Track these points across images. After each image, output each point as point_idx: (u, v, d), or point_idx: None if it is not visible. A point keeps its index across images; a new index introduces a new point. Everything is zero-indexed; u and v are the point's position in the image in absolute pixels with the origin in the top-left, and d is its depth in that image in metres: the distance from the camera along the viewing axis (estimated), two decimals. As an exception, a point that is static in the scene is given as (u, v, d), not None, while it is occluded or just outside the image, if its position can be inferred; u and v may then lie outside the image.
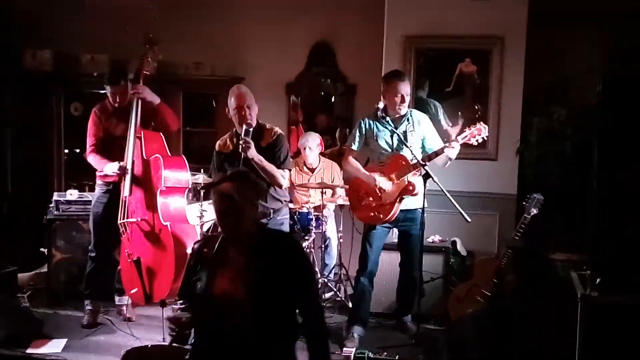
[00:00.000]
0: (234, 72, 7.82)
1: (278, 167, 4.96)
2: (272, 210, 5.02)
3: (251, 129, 4.93)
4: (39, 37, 7.74)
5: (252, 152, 4.86)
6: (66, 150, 7.70)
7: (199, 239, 4.12)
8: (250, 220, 3.47)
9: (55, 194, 6.61)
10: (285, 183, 5.04)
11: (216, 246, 3.60)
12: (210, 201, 6.67)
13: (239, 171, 3.70)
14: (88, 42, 7.77)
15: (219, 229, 3.56)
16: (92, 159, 5.76)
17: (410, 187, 5.32)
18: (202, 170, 6.46)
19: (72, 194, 6.52)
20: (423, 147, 5.51)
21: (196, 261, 3.63)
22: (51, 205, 6.52)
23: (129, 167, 5.55)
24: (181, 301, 3.63)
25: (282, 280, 3.42)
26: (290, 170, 5.18)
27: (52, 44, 7.72)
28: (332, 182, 6.81)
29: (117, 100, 5.75)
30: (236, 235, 3.50)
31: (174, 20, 7.81)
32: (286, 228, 5.24)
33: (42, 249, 6.71)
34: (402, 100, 5.36)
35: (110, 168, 5.63)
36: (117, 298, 6.05)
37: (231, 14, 7.91)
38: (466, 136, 5.28)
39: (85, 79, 7.47)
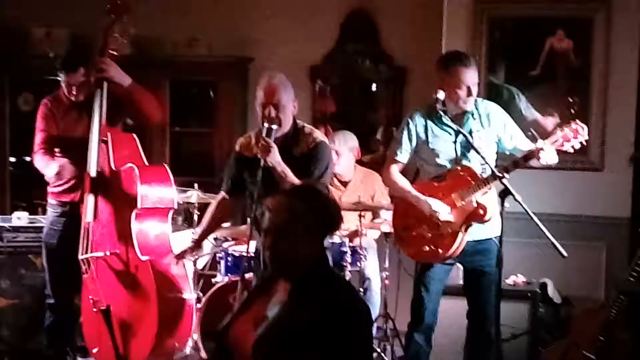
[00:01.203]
0: (240, 51, 7.86)
1: None
2: None
3: (274, 128, 4.93)
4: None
5: (274, 158, 4.89)
6: (12, 159, 7.76)
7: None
8: (303, 254, 3.46)
9: (-3, 217, 6.65)
10: None
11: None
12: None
13: (303, 185, 3.73)
14: (42, 12, 7.81)
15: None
16: (39, 160, 5.80)
17: (481, 211, 5.27)
18: (195, 184, 6.46)
19: (21, 218, 6.58)
20: (503, 150, 5.46)
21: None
22: (-9, 233, 6.55)
23: (92, 172, 5.54)
24: None
25: (325, 347, 3.36)
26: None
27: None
28: (373, 201, 6.77)
29: (74, 92, 5.78)
30: (281, 268, 3.50)
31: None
32: None
33: (-22, 293, 6.73)
34: (469, 93, 5.32)
35: (52, 169, 5.69)
36: None
37: (236, -27, 7.95)
38: (557, 140, 5.22)
39: (38, 62, 7.51)
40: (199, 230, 5.47)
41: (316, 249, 3.50)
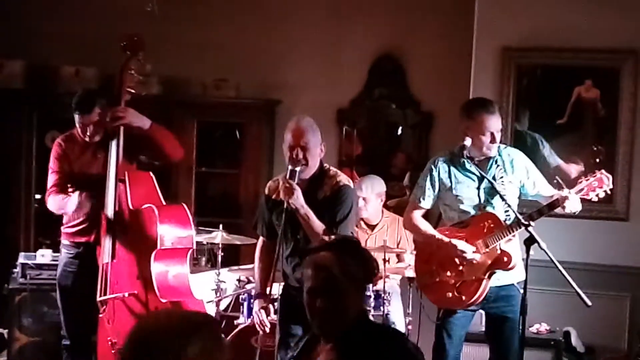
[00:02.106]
0: (268, 94, 7.88)
1: (329, 230, 4.93)
2: None
3: (297, 169, 4.95)
4: (6, 42, 7.89)
5: (297, 201, 4.89)
6: (38, 196, 7.77)
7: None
8: (352, 309, 3.38)
9: (21, 255, 6.68)
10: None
11: (302, 343, 3.59)
12: (232, 268, 6.80)
13: (347, 238, 3.64)
14: (71, 51, 7.90)
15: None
16: (52, 201, 5.75)
17: (505, 259, 5.25)
18: (220, 225, 6.47)
19: (45, 255, 6.59)
20: (525, 195, 5.45)
21: None
22: (15, 270, 6.57)
23: (109, 213, 5.49)
24: None
25: None
26: None
27: (24, 53, 7.86)
28: (398, 246, 6.76)
29: (89, 133, 5.74)
30: (329, 328, 3.41)
31: (187, 23, 7.93)
32: None
33: (0, 330, 6.74)
34: (493, 140, 5.32)
35: (72, 202, 5.59)
36: None
37: (265, 16, 8.00)
38: (582, 189, 5.22)
39: (67, 100, 7.55)
40: (257, 283, 5.33)
41: (361, 302, 3.46)
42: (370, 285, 6.44)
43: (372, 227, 6.92)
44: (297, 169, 4.95)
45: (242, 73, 7.90)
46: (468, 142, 5.35)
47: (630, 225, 6.64)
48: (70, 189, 5.68)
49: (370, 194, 6.82)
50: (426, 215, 5.58)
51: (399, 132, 8.05)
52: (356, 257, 3.41)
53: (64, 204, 5.68)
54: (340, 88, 7.88)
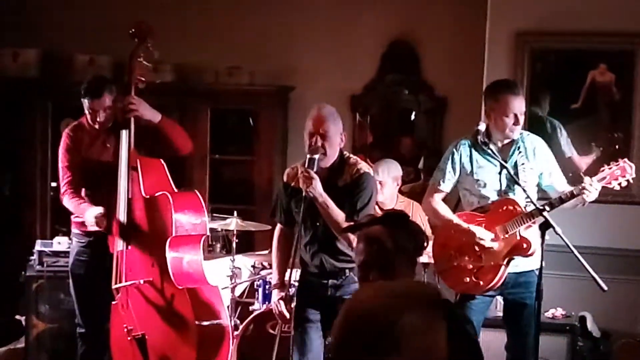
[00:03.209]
0: (281, 80, 7.88)
1: (349, 217, 4.92)
2: (347, 270, 5.03)
3: (316, 157, 4.93)
4: (21, 31, 7.90)
5: (316, 189, 4.88)
6: (53, 184, 7.79)
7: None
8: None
9: (38, 242, 6.70)
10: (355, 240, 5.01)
11: None
12: (247, 254, 6.81)
13: (396, 212, 3.67)
14: (85, 39, 7.90)
15: None
16: (69, 202, 5.74)
17: (524, 245, 5.24)
18: (234, 212, 6.48)
19: (61, 243, 6.59)
20: (540, 185, 5.43)
21: None
22: (32, 257, 6.59)
23: (122, 208, 5.49)
24: None
25: None
26: None
27: (39, 42, 7.87)
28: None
29: (100, 119, 5.71)
30: None
31: (200, 10, 7.93)
32: None
33: (17, 317, 6.76)
34: (516, 122, 5.30)
35: (91, 214, 5.55)
36: None
37: (279, 2, 7.99)
38: (604, 177, 5.19)
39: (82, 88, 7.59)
40: (275, 273, 5.30)
41: (412, 275, 3.49)
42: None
43: (386, 213, 6.90)
44: (316, 157, 4.94)
45: (255, 60, 7.89)
46: (482, 126, 5.34)
47: (646, 208, 6.62)
48: (85, 190, 5.69)
49: (387, 177, 6.78)
50: (444, 200, 5.57)
51: (413, 117, 8.03)
52: (406, 230, 3.46)
53: (81, 211, 5.66)
54: (354, 74, 7.88)
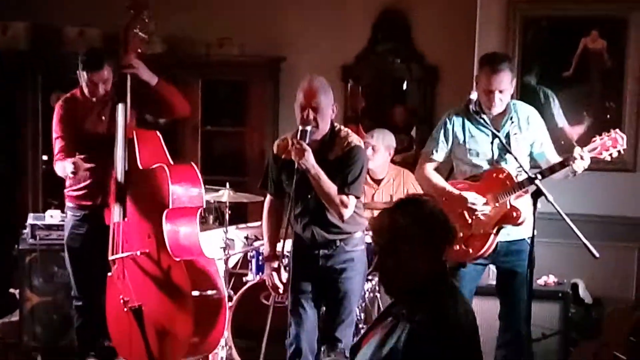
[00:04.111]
0: (272, 51, 7.88)
1: (340, 190, 4.95)
2: (337, 241, 5.05)
3: (308, 129, 4.93)
4: (10, 4, 7.88)
5: (308, 162, 4.86)
6: (45, 157, 7.81)
7: None
8: (415, 274, 3.27)
9: (30, 215, 6.71)
10: (347, 214, 5.02)
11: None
12: (239, 226, 6.83)
13: (409, 198, 3.43)
14: (75, 12, 7.88)
15: None
16: (59, 167, 5.70)
17: (514, 214, 5.27)
18: (227, 183, 6.50)
19: (54, 216, 6.59)
20: (531, 154, 5.45)
21: None
22: (24, 231, 6.60)
23: (120, 172, 5.51)
24: None
25: None
26: (358, 197, 5.13)
27: (28, 14, 7.85)
28: (405, 200, 6.75)
29: (100, 91, 5.70)
30: (387, 289, 3.40)
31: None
32: (357, 272, 5.19)
33: (11, 291, 6.79)
34: (492, 100, 5.29)
35: (69, 162, 5.51)
36: None
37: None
38: (595, 148, 5.21)
39: (72, 61, 7.56)
40: (266, 244, 5.27)
41: (426, 263, 3.26)
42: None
43: (378, 182, 6.90)
44: (308, 128, 4.92)
45: (245, 31, 7.89)
46: (474, 95, 5.35)
47: (638, 176, 6.66)
48: (77, 154, 5.63)
49: (380, 144, 6.78)
50: (437, 169, 5.59)
51: (404, 86, 8.04)
52: (412, 216, 3.27)
53: (63, 167, 5.61)
54: (345, 44, 7.88)
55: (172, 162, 5.67)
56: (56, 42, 7.80)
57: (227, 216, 6.41)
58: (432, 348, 3.10)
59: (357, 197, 5.07)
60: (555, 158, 5.34)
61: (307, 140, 4.88)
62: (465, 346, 3.23)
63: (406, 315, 3.21)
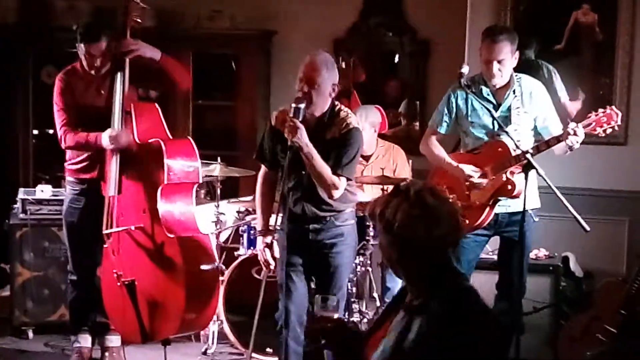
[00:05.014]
0: (263, 24, 7.87)
1: (333, 171, 4.94)
2: (327, 216, 5.05)
3: (302, 107, 4.88)
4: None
5: (300, 139, 4.81)
6: (35, 132, 7.81)
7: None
8: (419, 265, 3.15)
9: (21, 190, 6.69)
10: (337, 194, 5.00)
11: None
12: (231, 200, 6.84)
13: (406, 185, 3.19)
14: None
15: None
16: (73, 140, 5.63)
17: (509, 187, 5.30)
18: (218, 158, 6.51)
19: (44, 191, 6.58)
20: (535, 128, 5.48)
21: None
22: (15, 206, 6.60)
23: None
24: None
25: None
26: (350, 179, 5.09)
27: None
28: (395, 175, 6.76)
29: (97, 63, 5.66)
30: (402, 278, 3.32)
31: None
32: (348, 246, 5.21)
33: (2, 265, 6.80)
34: (490, 69, 5.33)
35: (106, 134, 5.45)
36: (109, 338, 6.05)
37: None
38: (590, 124, 5.22)
39: (61, 34, 7.55)
40: (259, 219, 5.21)
41: (427, 253, 3.12)
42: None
43: (366, 158, 6.88)
44: (301, 106, 4.87)
45: (236, 4, 7.88)
46: (465, 69, 5.35)
47: (629, 149, 6.65)
48: (82, 130, 5.62)
49: (364, 122, 6.74)
50: (442, 143, 5.64)
51: (396, 60, 8.05)
52: (418, 205, 3.08)
53: (92, 139, 5.53)
54: (336, 17, 7.88)
55: (170, 136, 5.65)
56: (45, 15, 7.76)
57: (218, 190, 6.42)
58: (453, 335, 2.98)
59: (349, 180, 5.06)
60: (559, 133, 5.35)
61: (300, 118, 4.86)
62: (486, 329, 3.07)
63: (420, 306, 3.11)
